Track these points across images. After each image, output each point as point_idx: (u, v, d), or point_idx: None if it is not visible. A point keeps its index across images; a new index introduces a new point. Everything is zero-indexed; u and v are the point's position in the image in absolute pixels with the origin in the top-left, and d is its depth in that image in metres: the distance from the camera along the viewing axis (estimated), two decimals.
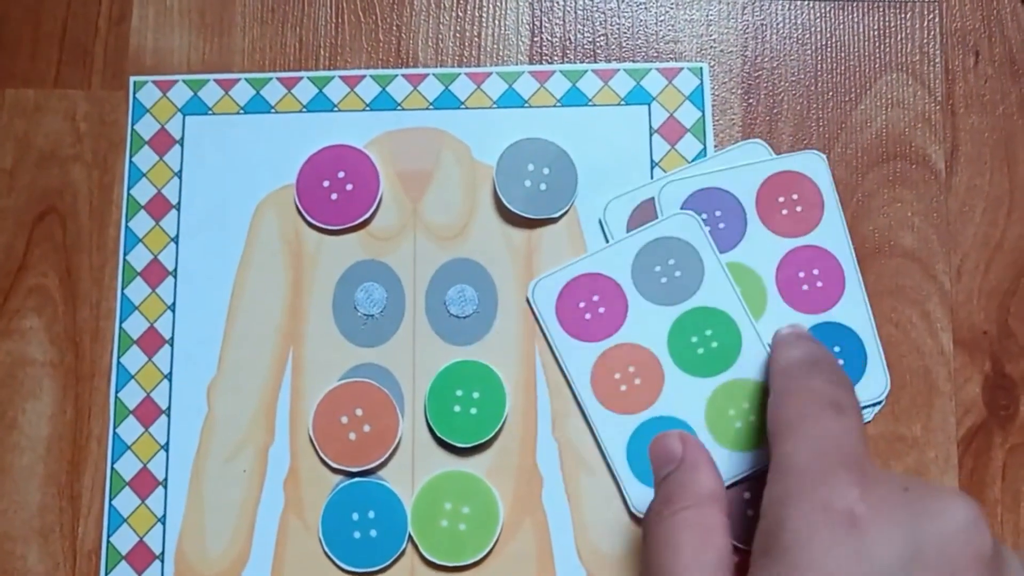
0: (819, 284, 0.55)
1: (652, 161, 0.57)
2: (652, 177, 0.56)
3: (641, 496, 0.54)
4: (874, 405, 0.54)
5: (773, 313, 0.55)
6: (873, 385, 0.54)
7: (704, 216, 0.56)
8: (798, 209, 0.56)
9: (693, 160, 0.56)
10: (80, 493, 0.55)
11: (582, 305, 0.55)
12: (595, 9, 0.59)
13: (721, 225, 0.56)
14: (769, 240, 0.56)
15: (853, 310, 0.55)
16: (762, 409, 0.53)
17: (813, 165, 0.56)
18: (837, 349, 0.55)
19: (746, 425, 0.54)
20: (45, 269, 0.57)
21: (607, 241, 0.56)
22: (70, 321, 0.57)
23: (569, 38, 0.58)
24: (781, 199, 0.56)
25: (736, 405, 0.54)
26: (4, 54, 0.59)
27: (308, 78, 0.59)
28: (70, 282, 0.57)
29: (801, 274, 0.55)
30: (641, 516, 0.53)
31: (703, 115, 0.57)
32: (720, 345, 0.54)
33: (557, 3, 0.59)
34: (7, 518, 0.55)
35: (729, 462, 0.53)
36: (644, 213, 0.56)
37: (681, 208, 0.56)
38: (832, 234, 0.56)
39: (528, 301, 0.56)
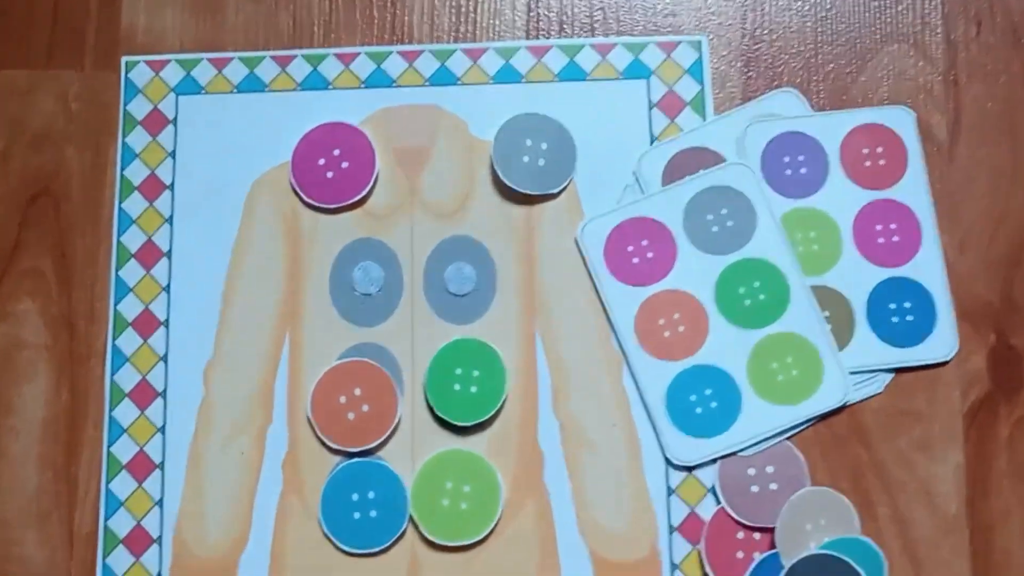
0: (895, 239, 0.55)
1: (651, 135, 0.56)
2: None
3: (677, 443, 0.53)
4: (889, 372, 0.54)
5: (847, 262, 0.55)
6: (940, 345, 0.54)
7: (787, 159, 0.55)
8: (882, 163, 0.56)
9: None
10: (77, 477, 0.55)
11: (631, 249, 0.55)
12: None
13: (803, 170, 0.56)
14: (849, 190, 0.56)
15: (927, 267, 0.55)
16: (805, 364, 0.53)
17: (902, 120, 0.56)
18: (908, 305, 0.54)
19: (788, 379, 0.53)
20: (39, 251, 0.57)
21: (642, 194, 0.55)
22: (64, 303, 0.56)
23: (566, 12, 0.58)
24: (866, 151, 0.56)
25: (779, 359, 0.54)
26: None
27: (302, 56, 0.58)
28: (64, 264, 0.56)
29: (878, 227, 0.55)
30: (676, 463, 0.53)
31: (702, 88, 0.57)
32: (768, 297, 0.54)
33: None
34: (4, 502, 0.55)
35: (768, 415, 0.53)
36: (678, 164, 0.56)
37: (764, 149, 0.55)
38: (914, 191, 0.55)
39: (576, 242, 0.55)
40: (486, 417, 0.54)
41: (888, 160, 0.56)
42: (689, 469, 0.53)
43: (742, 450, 0.53)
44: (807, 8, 0.57)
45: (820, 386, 0.53)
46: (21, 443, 0.55)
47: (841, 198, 0.56)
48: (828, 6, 0.57)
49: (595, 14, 0.58)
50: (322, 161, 0.56)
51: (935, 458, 0.53)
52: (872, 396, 0.54)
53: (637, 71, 0.57)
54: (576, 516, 0.54)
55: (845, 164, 0.56)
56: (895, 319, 0.54)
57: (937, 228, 0.55)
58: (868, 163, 0.56)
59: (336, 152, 0.56)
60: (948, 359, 0.54)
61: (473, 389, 0.54)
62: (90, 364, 0.56)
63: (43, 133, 0.58)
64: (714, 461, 0.53)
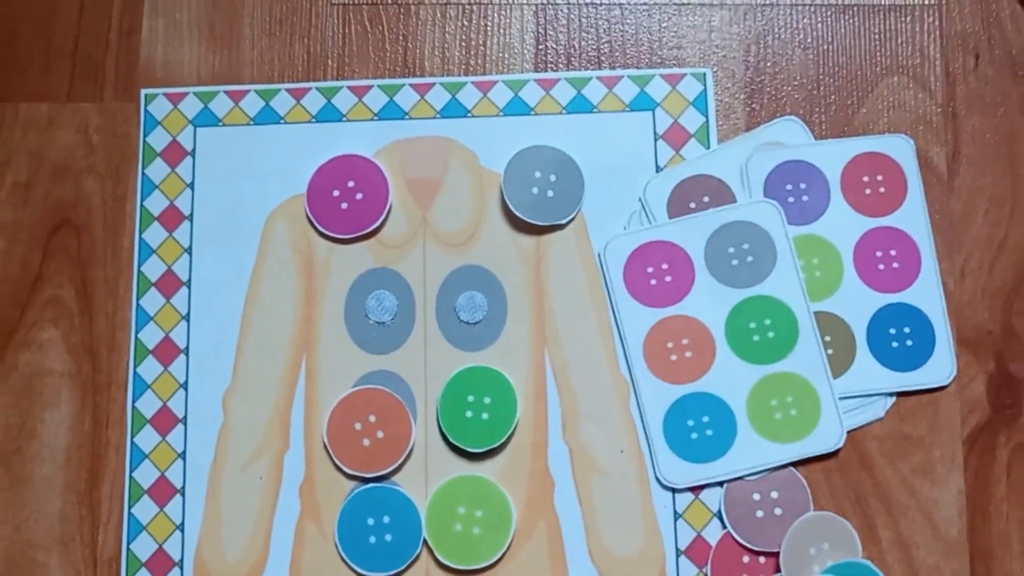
0: (895, 265, 0.56)
1: (657, 166, 0.57)
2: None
3: (669, 465, 0.55)
4: (889, 396, 0.55)
5: (848, 288, 0.56)
6: (938, 370, 0.55)
7: (789, 187, 0.57)
8: (882, 190, 0.57)
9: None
10: (99, 501, 0.56)
11: (650, 270, 0.56)
12: (599, 17, 0.59)
13: (805, 198, 0.57)
14: (850, 217, 0.57)
15: (926, 293, 0.56)
16: (804, 406, 0.55)
17: (901, 149, 0.57)
18: (907, 330, 0.55)
19: (785, 418, 0.55)
20: (61, 281, 0.58)
21: (649, 221, 0.57)
22: (86, 332, 0.57)
23: (574, 46, 0.59)
24: (866, 178, 0.57)
25: (779, 397, 0.55)
26: (16, 70, 0.60)
27: (316, 89, 0.59)
28: (86, 293, 0.58)
29: (878, 253, 0.56)
30: (667, 484, 0.54)
31: (707, 120, 0.58)
32: (776, 336, 0.55)
33: (561, 11, 0.59)
34: (28, 526, 0.56)
35: (760, 450, 0.54)
36: (683, 191, 0.57)
37: (767, 178, 0.57)
38: (913, 218, 0.57)
39: (598, 258, 0.57)
40: (498, 443, 0.55)
41: (888, 188, 0.57)
42: (674, 491, 0.55)
43: (730, 480, 0.54)
44: (809, 41, 0.58)
45: (814, 430, 0.54)
46: (45, 469, 0.56)
47: (842, 225, 0.57)
48: (829, 39, 0.58)
49: (602, 47, 0.59)
50: (337, 192, 0.58)
51: (936, 483, 0.54)
52: (874, 421, 0.55)
53: (643, 103, 0.58)
54: (586, 540, 0.55)
55: (846, 192, 0.57)
56: (895, 344, 0.55)
57: (936, 254, 0.56)
58: (868, 191, 0.57)
59: (351, 183, 0.58)
60: (947, 384, 0.55)
61: (485, 416, 0.55)
62: (111, 391, 0.57)
63: (64, 165, 0.59)
64: (701, 488, 0.55)
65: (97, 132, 0.59)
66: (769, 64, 0.58)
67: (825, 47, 0.58)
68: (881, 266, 0.56)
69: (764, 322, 0.55)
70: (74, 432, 0.57)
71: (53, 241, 0.58)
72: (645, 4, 0.59)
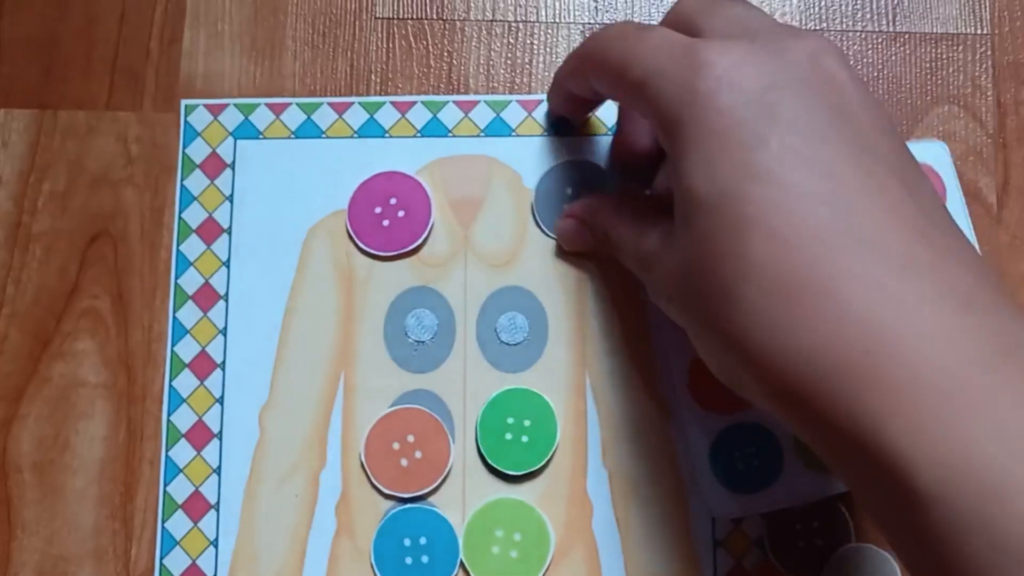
0: None
1: None
2: None
3: (716, 495, 0.53)
4: None
5: None
6: None
7: None
8: None
9: None
10: (133, 515, 0.56)
11: None
12: None
13: None
14: None
15: None
16: None
17: (936, 155, 0.55)
18: None
19: None
20: (97, 292, 0.58)
21: None
22: (122, 344, 0.57)
23: None
24: None
25: None
26: (57, 77, 0.60)
27: (359, 103, 0.59)
28: (122, 305, 0.57)
29: None
30: (713, 513, 0.54)
31: None
32: None
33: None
34: (61, 539, 0.56)
35: (807, 482, 0.53)
36: None
37: None
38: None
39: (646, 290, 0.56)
40: (537, 466, 0.55)
41: None
42: (715, 520, 0.54)
43: (775, 511, 0.54)
44: (858, 68, 0.58)
45: None
46: (79, 481, 0.56)
47: None
48: (880, 66, 0.58)
49: None
50: (379, 209, 0.57)
51: None
52: None
53: None
54: (624, 566, 0.54)
55: None
56: None
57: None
58: None
59: (393, 201, 0.57)
60: None
61: (524, 438, 0.55)
62: (146, 404, 0.57)
63: (102, 175, 0.59)
64: (741, 520, 0.54)
65: (136, 142, 0.59)
66: None
67: (875, 74, 0.58)
68: None
69: None
70: (108, 445, 0.56)
71: (90, 251, 0.58)
72: None
